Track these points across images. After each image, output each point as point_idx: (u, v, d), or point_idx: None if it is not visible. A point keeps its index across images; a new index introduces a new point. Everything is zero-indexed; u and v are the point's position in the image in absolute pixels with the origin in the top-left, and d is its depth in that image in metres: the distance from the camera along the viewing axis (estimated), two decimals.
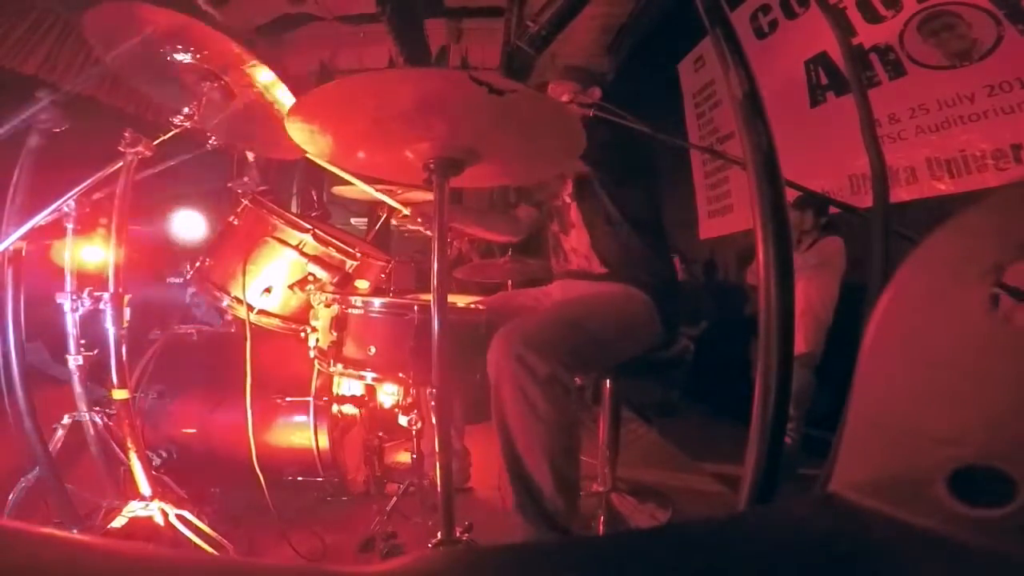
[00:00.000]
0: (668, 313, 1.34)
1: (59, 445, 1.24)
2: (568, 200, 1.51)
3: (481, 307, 1.20)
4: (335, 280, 1.29)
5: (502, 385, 1.05)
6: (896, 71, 2.49)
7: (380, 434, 1.73)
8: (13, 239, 1.12)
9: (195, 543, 1.16)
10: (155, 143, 1.19)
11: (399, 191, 1.38)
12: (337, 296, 1.19)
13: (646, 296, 1.31)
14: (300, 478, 1.55)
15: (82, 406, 1.24)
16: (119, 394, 1.14)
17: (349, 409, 1.68)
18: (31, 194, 1.18)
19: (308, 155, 1.06)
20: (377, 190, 1.35)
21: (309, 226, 1.36)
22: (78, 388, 1.23)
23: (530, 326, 1.08)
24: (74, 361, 1.22)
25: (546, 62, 1.55)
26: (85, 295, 1.18)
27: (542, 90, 1.53)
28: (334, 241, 1.36)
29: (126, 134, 1.15)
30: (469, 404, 1.74)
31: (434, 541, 0.91)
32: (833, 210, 2.53)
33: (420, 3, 3.72)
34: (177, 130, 1.20)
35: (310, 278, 1.31)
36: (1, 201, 1.19)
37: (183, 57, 1.11)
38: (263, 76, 1.16)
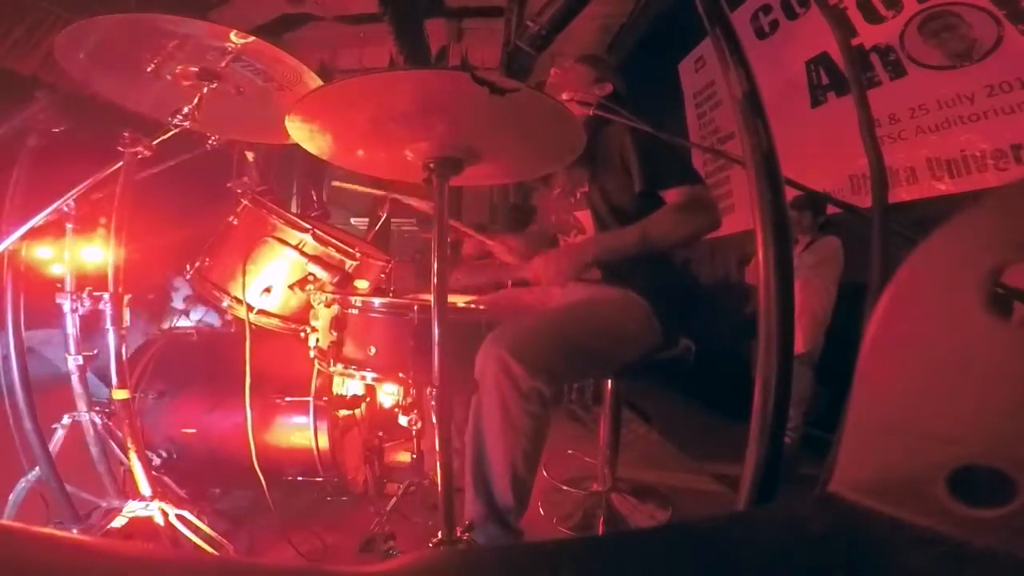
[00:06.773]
0: (669, 317, 1.33)
1: (59, 445, 1.24)
2: (577, 202, 1.47)
3: (482, 307, 1.20)
4: (335, 280, 1.29)
5: (484, 386, 1.07)
6: (896, 71, 2.49)
7: (380, 434, 1.73)
8: (13, 239, 1.12)
9: (195, 543, 1.16)
10: (155, 143, 1.19)
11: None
12: (337, 296, 1.19)
13: (644, 301, 1.30)
14: (300, 478, 1.55)
15: (82, 406, 1.24)
16: (119, 394, 1.14)
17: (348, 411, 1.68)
18: (30, 194, 1.18)
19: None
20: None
21: (309, 226, 1.36)
22: (78, 388, 1.23)
23: (522, 334, 1.08)
24: (74, 361, 1.21)
25: (546, 61, 1.53)
26: (85, 295, 1.18)
27: (543, 86, 1.50)
28: (334, 241, 1.36)
29: (126, 134, 1.15)
30: (469, 403, 1.73)
31: (434, 541, 0.91)
32: (831, 210, 2.53)
33: (420, 3, 3.72)
34: (177, 130, 1.20)
35: (310, 278, 1.31)
36: (0, 201, 1.19)
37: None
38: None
